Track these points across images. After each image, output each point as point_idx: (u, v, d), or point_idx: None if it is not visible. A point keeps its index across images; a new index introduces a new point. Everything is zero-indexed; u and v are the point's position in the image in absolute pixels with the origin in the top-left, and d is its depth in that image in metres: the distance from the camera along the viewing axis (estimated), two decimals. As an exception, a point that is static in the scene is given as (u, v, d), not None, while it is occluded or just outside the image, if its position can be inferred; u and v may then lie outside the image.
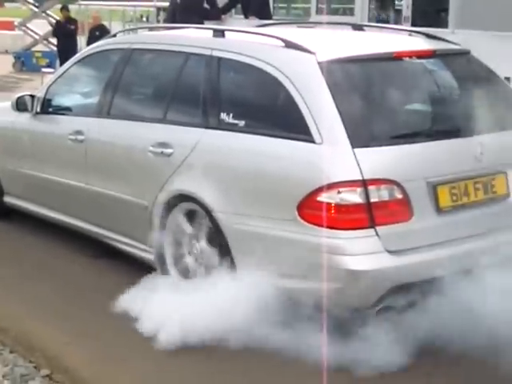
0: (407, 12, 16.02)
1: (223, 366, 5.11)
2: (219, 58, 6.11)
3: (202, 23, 13.16)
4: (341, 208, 5.08)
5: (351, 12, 17.20)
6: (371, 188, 5.08)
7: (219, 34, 6.40)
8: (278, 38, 5.91)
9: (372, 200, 5.09)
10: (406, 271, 5.06)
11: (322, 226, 5.06)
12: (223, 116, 5.87)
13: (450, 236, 5.17)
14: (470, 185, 5.41)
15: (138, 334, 5.46)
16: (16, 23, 29.20)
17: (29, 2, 27.73)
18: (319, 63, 5.46)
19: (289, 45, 5.76)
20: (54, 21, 26.35)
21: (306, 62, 5.57)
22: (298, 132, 5.35)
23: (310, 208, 5.14)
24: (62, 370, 5.14)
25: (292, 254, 5.20)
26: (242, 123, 5.75)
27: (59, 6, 26.75)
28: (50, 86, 7.90)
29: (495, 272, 4.85)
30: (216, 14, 14.15)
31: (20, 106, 7.91)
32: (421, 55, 6.14)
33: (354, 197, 5.08)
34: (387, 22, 16.08)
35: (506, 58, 6.22)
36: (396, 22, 15.60)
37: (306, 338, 4.94)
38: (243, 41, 6.29)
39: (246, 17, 14.29)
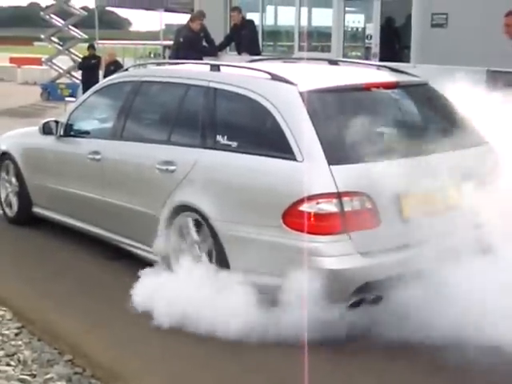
0: (376, 49, 16.13)
1: (217, 349, 5.14)
2: (215, 89, 6.26)
3: (201, 59, 13.29)
4: (319, 216, 5.19)
5: (328, 49, 17.25)
6: (345, 199, 5.20)
7: (215, 68, 6.54)
8: (265, 71, 6.08)
9: (345, 209, 5.21)
10: (374, 270, 5.15)
11: (303, 231, 5.18)
12: (218, 138, 6.01)
13: (412, 240, 5.23)
14: (429, 196, 5.51)
15: (148, 323, 5.49)
16: (43, 59, 29.27)
17: (54, 42, 27.76)
18: (300, 93, 5.62)
19: (274, 77, 5.92)
20: (76, 57, 26.47)
21: (289, 92, 5.70)
22: (282, 151, 5.47)
23: (293, 216, 5.24)
24: (83, 355, 5.19)
25: (278, 255, 5.34)
26: (234, 144, 5.89)
27: (80, 44, 26.94)
28: (72, 112, 8.05)
29: (449, 270, 4.92)
30: (213, 51, 14.31)
31: (46, 129, 8.02)
32: (386, 86, 6.24)
33: (330, 207, 5.20)
34: (359, 57, 16.14)
35: (454, 87, 6.28)
36: (366, 58, 15.66)
37: (288, 326, 5.01)
38: (235, 74, 6.44)
39: (239, 53, 14.43)
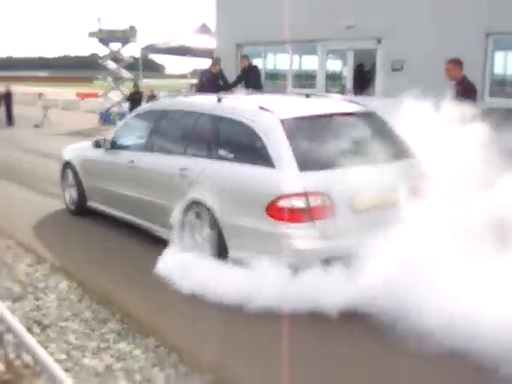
0: (350, 86, 16.27)
1: (220, 311, 5.32)
2: (219, 116, 6.57)
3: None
4: (292, 210, 5.50)
5: (314, 86, 17.37)
6: (310, 198, 5.51)
7: (219, 100, 6.84)
8: (255, 103, 6.38)
9: (311, 205, 5.51)
10: (332, 249, 5.42)
11: (280, 220, 5.50)
12: (220, 151, 6.34)
13: (361, 228, 5.38)
14: (375, 195, 5.71)
15: (175, 290, 5.74)
16: (100, 94, 29.40)
17: (108, 81, 27.93)
18: (279, 119, 5.98)
19: (261, 108, 6.22)
20: (124, 92, 26.64)
21: (271, 119, 6.04)
22: (265, 162, 5.80)
23: (273, 209, 5.54)
24: (129, 315, 5.31)
25: (262, 238, 5.64)
26: (231, 156, 6.21)
27: (128, 82, 27.12)
28: (116, 131, 8.33)
29: (388, 251, 5.05)
30: (227, 88, 14.36)
31: (97, 144, 8.40)
32: (344, 114, 6.58)
33: (299, 203, 5.51)
34: (337, 92, 16.22)
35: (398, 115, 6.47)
36: (342, 93, 15.76)
37: (269, 291, 5.22)
38: (232, 105, 6.72)
39: (247, 89, 14.49)
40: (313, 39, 16.88)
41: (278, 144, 5.83)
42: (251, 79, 14.90)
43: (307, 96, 7.54)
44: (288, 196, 5.52)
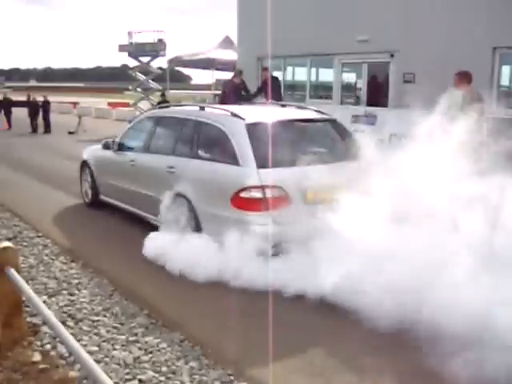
0: (364, 98, 16.20)
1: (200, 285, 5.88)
2: (199, 121, 7.26)
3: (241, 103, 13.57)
4: (251, 200, 6.16)
5: (330, 97, 17.32)
6: (266, 190, 6.13)
7: (202, 108, 7.58)
8: (228, 110, 7.09)
9: (267, 196, 6.13)
10: (284, 234, 5.88)
11: (241, 209, 6.17)
12: (199, 151, 7.07)
13: (310, 217, 5.76)
14: (322, 190, 6.13)
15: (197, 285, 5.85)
16: (130, 103, 29.60)
17: (138, 91, 28.08)
18: (246, 124, 6.68)
19: (233, 114, 6.92)
20: (153, 102, 26.75)
21: (239, 124, 6.72)
22: (232, 160, 6.45)
23: (236, 200, 6.21)
24: (157, 311, 5.36)
25: (228, 224, 6.16)
26: (207, 155, 6.96)
27: (156, 92, 27.25)
28: (122, 135, 9.00)
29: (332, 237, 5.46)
30: (249, 99, 14.37)
31: (105, 146, 9.13)
32: (304, 120, 7.32)
33: (257, 194, 6.15)
34: (352, 104, 16.18)
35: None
36: (357, 104, 15.72)
37: (230, 266, 5.90)
38: (211, 112, 7.41)
39: (267, 100, 14.45)
40: (329, 53, 16.87)
41: (242, 145, 6.51)
42: (272, 90, 14.89)
43: (282, 106, 8.57)
44: (247, 188, 6.18)
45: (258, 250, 5.84)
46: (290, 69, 19.56)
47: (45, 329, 4.82)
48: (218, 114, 7.24)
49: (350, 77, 17.86)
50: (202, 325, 5.07)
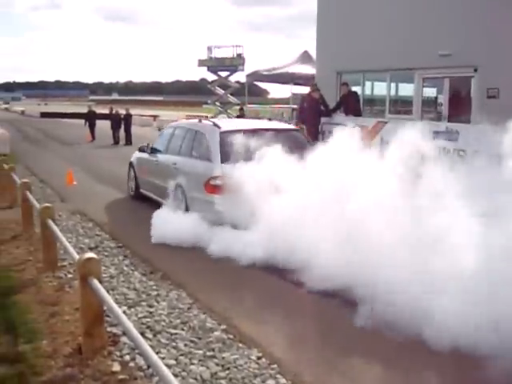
0: (445, 113, 15.78)
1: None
2: (195, 130, 9.75)
3: (320, 118, 13.60)
4: (215, 186, 8.31)
5: (410, 113, 16.97)
6: (226, 179, 8.01)
7: (200, 121, 10.08)
8: (213, 122, 9.69)
9: (226, 183, 8.02)
10: (236, 211, 7.65)
11: (210, 193, 8.34)
12: (192, 152, 9.52)
13: (256, 199, 7.33)
14: (263, 181, 7.43)
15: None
16: (209, 117, 30.08)
17: (216, 105, 28.51)
18: (220, 132, 9.02)
19: (214, 124, 9.42)
20: (231, 115, 27.03)
21: (216, 131, 9.11)
22: (207, 158, 8.86)
23: (207, 186, 8.43)
24: (233, 326, 5.33)
25: (203, 204, 8.44)
26: (196, 155, 9.37)
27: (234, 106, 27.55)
28: (154, 142, 11.54)
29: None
30: (328, 113, 14.28)
31: (141, 150, 11.68)
32: (269, 130, 9.17)
33: (220, 182, 8.21)
34: (431, 119, 15.76)
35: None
36: (438, 120, 15.32)
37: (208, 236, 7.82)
38: (203, 123, 9.83)
39: (346, 115, 14.31)
40: (410, 67, 16.52)
41: (214, 146, 8.80)
42: (350, 105, 14.73)
43: (269, 119, 12.15)
44: (214, 178, 8.32)
45: (221, 223, 7.83)
46: (368, 83, 19.29)
47: (124, 339, 4.87)
48: (206, 124, 9.69)
49: (430, 92, 17.46)
50: (279, 343, 5.01)
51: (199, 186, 8.47)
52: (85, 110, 30.52)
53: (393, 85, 18.22)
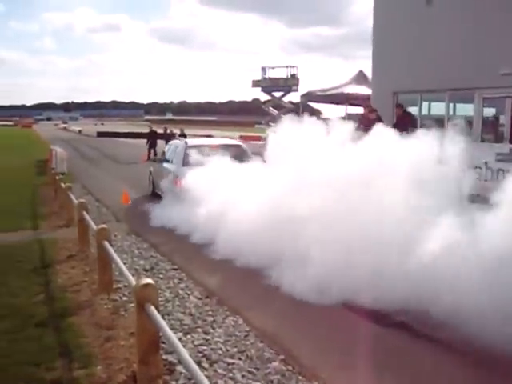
0: (507, 134, 15.25)
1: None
2: (176, 145, 14.00)
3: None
4: (177, 181, 11.39)
5: (469, 133, 16.47)
6: (185, 177, 10.63)
7: (184, 139, 15.60)
8: (184, 140, 14.27)
9: (183, 179, 10.81)
10: (194, 198, 9.87)
11: (177, 185, 11.31)
12: (173, 159, 13.27)
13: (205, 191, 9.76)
14: (216, 179, 10.03)
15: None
16: (262, 137, 30.06)
17: (270, 125, 28.48)
18: (186, 145, 13.03)
19: (185, 142, 13.80)
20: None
21: (184, 145, 13.19)
22: (178, 163, 12.43)
23: (175, 181, 11.57)
24: (293, 357, 5.12)
25: (175, 194, 11.06)
26: (175, 161, 12.94)
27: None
28: (162, 153, 15.22)
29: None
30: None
31: (154, 160, 16.57)
32: (220, 145, 12.90)
33: (181, 179, 11.03)
34: (490, 140, 15.21)
35: None
36: (497, 140, 14.80)
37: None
38: (180, 141, 14.55)
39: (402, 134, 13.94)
40: (469, 87, 16.09)
41: (181, 155, 12.65)
42: (407, 126, 14.38)
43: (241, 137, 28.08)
44: (178, 176, 11.59)
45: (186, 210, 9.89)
46: (425, 104, 18.89)
47: (180, 368, 4.70)
48: (181, 141, 14.28)
49: (490, 112, 16.93)
50: (341, 376, 4.75)
51: (172, 182, 11.92)
52: (140, 130, 30.98)
53: (451, 105, 17.78)
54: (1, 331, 5.60)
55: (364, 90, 23.11)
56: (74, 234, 9.26)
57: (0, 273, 7.72)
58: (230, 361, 4.98)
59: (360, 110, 20.43)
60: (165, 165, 13.60)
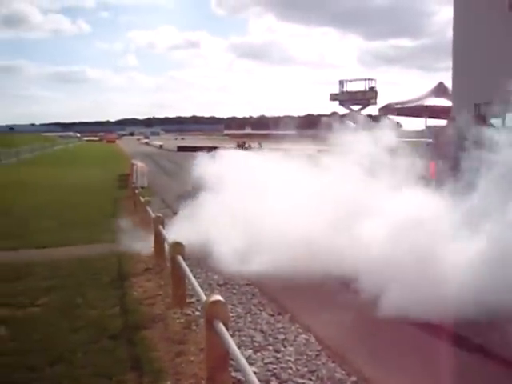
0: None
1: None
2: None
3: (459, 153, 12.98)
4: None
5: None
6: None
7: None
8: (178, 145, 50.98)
9: None
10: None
11: None
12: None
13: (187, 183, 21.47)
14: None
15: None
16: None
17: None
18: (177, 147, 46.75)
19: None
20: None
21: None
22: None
23: None
24: (364, 379, 4.95)
25: None
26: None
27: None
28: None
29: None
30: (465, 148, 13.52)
31: None
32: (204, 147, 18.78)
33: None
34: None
35: None
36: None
37: None
38: None
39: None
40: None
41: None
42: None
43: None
44: None
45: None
46: (509, 115, 18.16)
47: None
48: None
49: None
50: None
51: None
52: (220, 144, 31.52)
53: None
54: (77, 342, 5.71)
55: (444, 102, 22.54)
56: (151, 248, 9.37)
57: (79, 284, 7.92)
58: (301, 381, 4.86)
59: (440, 123, 19.95)
60: None
